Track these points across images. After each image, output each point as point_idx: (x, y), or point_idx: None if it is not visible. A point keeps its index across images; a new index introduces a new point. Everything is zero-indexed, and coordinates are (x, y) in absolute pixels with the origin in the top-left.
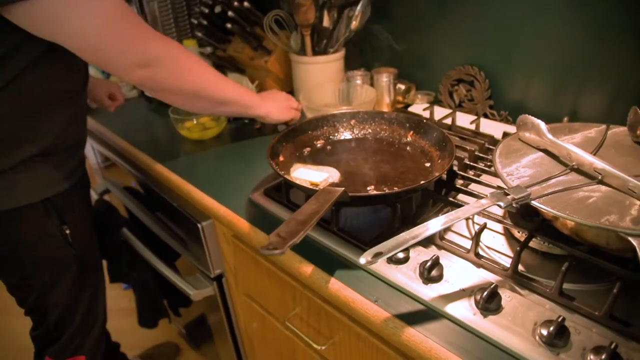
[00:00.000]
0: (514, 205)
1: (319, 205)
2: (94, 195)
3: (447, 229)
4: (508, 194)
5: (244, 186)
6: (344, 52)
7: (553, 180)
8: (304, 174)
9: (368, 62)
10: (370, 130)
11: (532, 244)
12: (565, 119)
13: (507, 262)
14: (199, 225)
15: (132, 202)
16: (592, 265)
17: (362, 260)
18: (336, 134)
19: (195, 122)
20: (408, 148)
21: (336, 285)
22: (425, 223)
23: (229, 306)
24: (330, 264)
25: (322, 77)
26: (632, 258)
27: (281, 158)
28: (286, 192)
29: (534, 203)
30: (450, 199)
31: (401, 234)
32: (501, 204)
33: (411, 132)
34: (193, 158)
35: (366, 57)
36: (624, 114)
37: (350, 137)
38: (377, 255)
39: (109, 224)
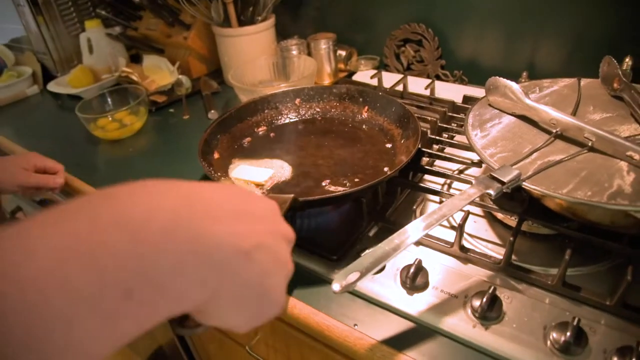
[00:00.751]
0: (505, 190)
1: None
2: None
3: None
4: (495, 178)
5: None
6: (274, 19)
7: (538, 153)
8: (245, 173)
9: (302, 28)
10: (318, 110)
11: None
12: (525, 73)
13: (495, 252)
14: None
15: None
16: (587, 245)
17: (336, 287)
18: (280, 118)
19: (110, 118)
20: (364, 127)
21: (305, 310)
22: (405, 228)
23: None
24: (293, 280)
25: (253, 51)
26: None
27: (216, 155)
28: None
29: (527, 185)
30: (421, 184)
31: (379, 246)
32: (491, 192)
33: (366, 107)
34: (113, 163)
35: (300, 23)
36: (585, 63)
37: (296, 119)
38: (352, 278)
39: None
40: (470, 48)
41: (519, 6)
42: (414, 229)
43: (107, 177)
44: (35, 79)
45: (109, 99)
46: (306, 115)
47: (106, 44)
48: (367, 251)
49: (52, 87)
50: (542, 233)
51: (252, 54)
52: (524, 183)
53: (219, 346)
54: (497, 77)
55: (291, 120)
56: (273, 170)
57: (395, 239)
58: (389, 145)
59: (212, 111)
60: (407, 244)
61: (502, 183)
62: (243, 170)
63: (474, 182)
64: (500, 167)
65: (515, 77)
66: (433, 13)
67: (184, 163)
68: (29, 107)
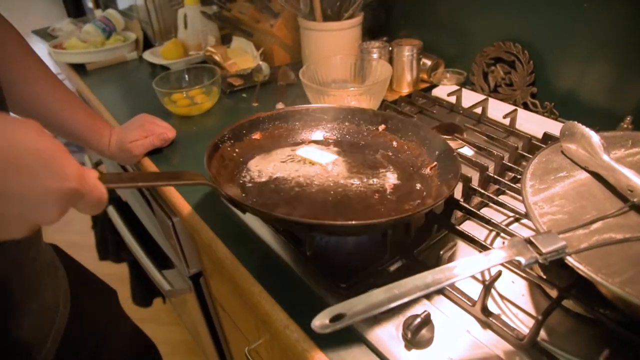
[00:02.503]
0: (541, 262)
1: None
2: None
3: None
4: (533, 244)
5: None
6: (361, 18)
7: (602, 223)
8: (310, 152)
9: (391, 30)
10: (395, 144)
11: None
12: (628, 118)
13: (524, 325)
14: (169, 222)
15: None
16: (632, 346)
17: (315, 323)
18: (351, 134)
19: (184, 94)
20: (418, 185)
21: (295, 335)
22: (405, 281)
23: (209, 308)
24: (295, 298)
25: (334, 48)
26: None
27: (257, 136)
28: None
29: (572, 261)
30: (461, 227)
31: (375, 292)
32: (522, 260)
33: (435, 164)
34: (174, 138)
35: (390, 25)
36: None
37: (361, 143)
38: (337, 319)
39: None
40: (569, 79)
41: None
42: (410, 286)
43: (163, 149)
44: (137, 46)
45: (186, 75)
46: (377, 143)
47: (200, 21)
48: (375, 290)
49: (147, 55)
50: (588, 316)
51: (333, 50)
52: (568, 258)
53: (234, 337)
54: (576, 122)
55: (355, 142)
56: (334, 157)
57: (395, 288)
58: (418, 186)
59: (280, 103)
60: (405, 299)
61: (540, 253)
62: (310, 150)
63: (506, 242)
64: (544, 232)
65: (616, 121)
66: (532, 33)
67: None
68: (125, 71)
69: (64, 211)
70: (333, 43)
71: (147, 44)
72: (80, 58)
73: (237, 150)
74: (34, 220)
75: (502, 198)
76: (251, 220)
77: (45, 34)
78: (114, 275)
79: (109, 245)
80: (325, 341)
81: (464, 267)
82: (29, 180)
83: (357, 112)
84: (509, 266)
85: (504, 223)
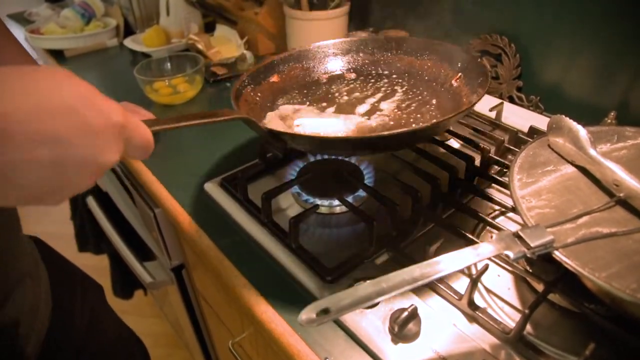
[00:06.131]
0: (529, 256)
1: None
2: None
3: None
4: (521, 238)
5: (206, 169)
6: (347, 7)
7: (588, 217)
8: (314, 124)
9: (377, 21)
10: (415, 65)
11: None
12: (612, 113)
13: (510, 318)
14: (150, 213)
15: None
16: (616, 339)
17: (302, 318)
18: (367, 64)
19: (166, 82)
20: (448, 95)
21: (280, 328)
22: (393, 275)
23: (191, 301)
24: (280, 291)
25: (320, 38)
26: None
27: (275, 78)
28: (243, 186)
29: (559, 256)
30: (448, 221)
31: (363, 286)
32: (510, 254)
33: (459, 75)
34: None
35: (375, 15)
36: None
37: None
38: (324, 313)
39: None
40: (555, 72)
41: (625, 34)
42: (399, 279)
43: None
44: (118, 32)
45: (168, 63)
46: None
47: (182, 8)
48: (361, 282)
49: (127, 42)
50: (575, 310)
51: (319, 40)
52: (556, 252)
53: (218, 331)
54: (563, 116)
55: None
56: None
57: (383, 282)
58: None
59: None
60: (395, 291)
61: (528, 247)
62: (312, 122)
63: (494, 237)
64: (532, 226)
65: (601, 116)
66: (519, 26)
67: (223, 140)
68: (105, 58)
69: (120, 149)
70: (319, 33)
71: (128, 31)
72: (58, 44)
73: (259, 94)
74: (95, 161)
75: (488, 191)
76: (236, 212)
77: (22, 19)
78: (94, 266)
79: (89, 236)
80: (311, 335)
81: (453, 261)
82: (77, 123)
83: (369, 41)
84: (495, 260)
85: (491, 216)
